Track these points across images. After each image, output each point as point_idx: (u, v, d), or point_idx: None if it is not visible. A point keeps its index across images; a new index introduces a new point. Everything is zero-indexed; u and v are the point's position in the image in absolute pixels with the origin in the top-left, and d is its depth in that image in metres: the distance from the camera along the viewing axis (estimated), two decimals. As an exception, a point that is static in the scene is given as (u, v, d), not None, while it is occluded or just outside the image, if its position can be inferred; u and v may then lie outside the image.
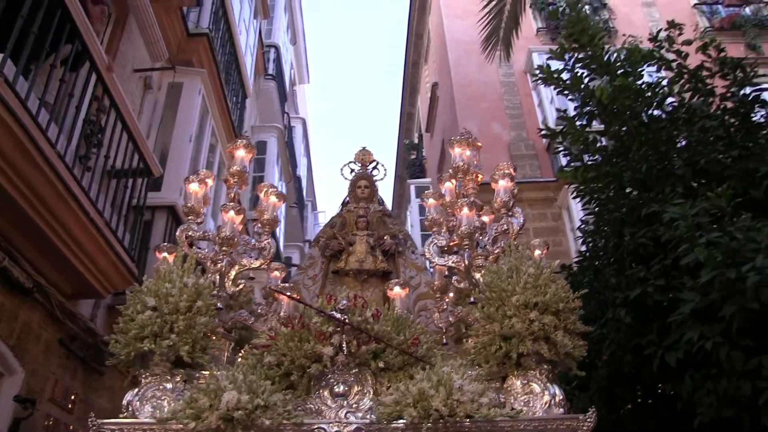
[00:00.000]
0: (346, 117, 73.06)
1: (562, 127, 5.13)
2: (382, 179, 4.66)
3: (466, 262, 3.40)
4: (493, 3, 5.62)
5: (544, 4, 12.57)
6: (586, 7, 12.73)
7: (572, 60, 5.15)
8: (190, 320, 2.73)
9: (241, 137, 3.69)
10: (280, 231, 12.47)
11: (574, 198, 5.09)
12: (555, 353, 2.63)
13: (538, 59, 11.81)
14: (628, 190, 4.38)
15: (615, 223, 4.17)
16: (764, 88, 4.54)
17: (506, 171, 3.55)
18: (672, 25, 5.20)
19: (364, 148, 4.69)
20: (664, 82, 4.51)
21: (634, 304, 3.82)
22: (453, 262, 3.54)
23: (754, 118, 4.49)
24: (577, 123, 4.99)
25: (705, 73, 4.80)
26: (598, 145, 4.93)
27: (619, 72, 4.85)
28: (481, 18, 5.76)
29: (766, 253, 3.02)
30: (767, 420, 3.12)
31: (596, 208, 4.51)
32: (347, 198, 4.63)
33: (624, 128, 4.71)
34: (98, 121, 4.21)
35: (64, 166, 3.63)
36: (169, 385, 2.75)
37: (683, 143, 4.34)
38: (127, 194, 4.91)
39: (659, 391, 3.92)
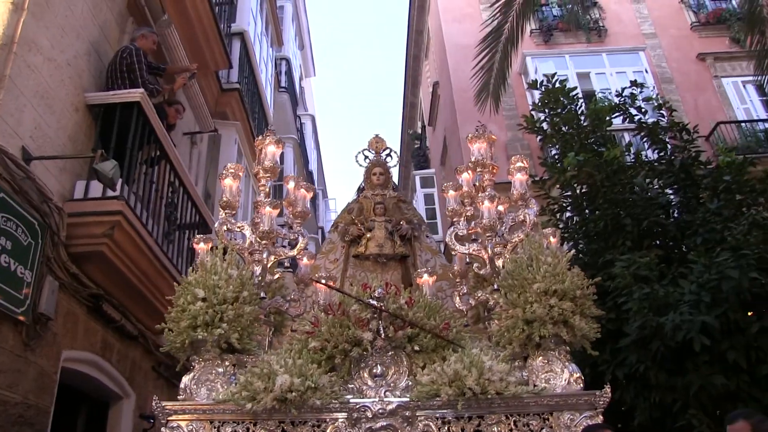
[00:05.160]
0: (351, 104, 73.05)
1: (543, 172, 6.26)
2: (394, 166, 4.84)
3: (490, 252, 3.59)
4: (484, 61, 6.65)
5: (538, 6, 13.29)
6: (577, 6, 13.51)
7: (550, 113, 6.24)
8: (238, 309, 2.89)
9: (269, 133, 3.75)
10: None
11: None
12: (573, 335, 2.91)
13: (531, 63, 12.77)
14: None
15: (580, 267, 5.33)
16: (702, 150, 5.62)
17: (521, 164, 3.69)
18: (635, 84, 6.28)
19: (377, 136, 4.85)
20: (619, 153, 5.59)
21: (592, 331, 4.99)
22: (473, 251, 3.72)
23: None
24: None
25: (659, 129, 5.89)
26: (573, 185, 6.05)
27: (587, 129, 5.95)
28: (474, 74, 6.80)
29: (677, 309, 4.19)
30: (682, 420, 4.34)
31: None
32: (362, 184, 4.81)
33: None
34: (173, 202, 5.37)
35: (159, 249, 4.83)
36: (220, 369, 2.93)
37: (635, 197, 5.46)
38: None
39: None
